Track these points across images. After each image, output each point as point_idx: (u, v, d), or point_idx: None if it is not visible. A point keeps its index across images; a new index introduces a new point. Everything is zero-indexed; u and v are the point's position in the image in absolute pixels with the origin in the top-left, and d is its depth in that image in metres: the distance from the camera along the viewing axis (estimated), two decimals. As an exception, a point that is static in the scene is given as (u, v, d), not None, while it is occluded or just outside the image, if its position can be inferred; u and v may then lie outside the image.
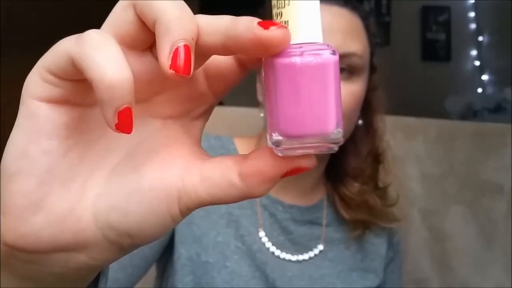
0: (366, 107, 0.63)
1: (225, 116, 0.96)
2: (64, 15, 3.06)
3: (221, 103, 0.94)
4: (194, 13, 0.20)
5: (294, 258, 0.63)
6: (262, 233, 0.63)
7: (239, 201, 0.22)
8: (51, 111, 0.20)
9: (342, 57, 0.56)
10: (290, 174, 0.22)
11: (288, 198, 0.65)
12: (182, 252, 0.61)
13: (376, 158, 0.67)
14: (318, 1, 0.21)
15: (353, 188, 0.65)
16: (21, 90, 0.21)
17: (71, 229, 0.21)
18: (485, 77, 2.91)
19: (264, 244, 0.63)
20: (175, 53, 0.18)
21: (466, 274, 0.95)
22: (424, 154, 1.00)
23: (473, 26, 2.97)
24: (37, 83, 0.20)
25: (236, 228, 0.63)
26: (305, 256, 0.64)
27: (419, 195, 0.98)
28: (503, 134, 1.04)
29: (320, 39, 0.21)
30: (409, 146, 1.01)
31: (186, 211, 0.22)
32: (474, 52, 2.96)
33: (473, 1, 2.98)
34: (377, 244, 0.68)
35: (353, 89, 0.58)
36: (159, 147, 0.23)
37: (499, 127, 1.08)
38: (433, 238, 0.96)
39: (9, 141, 0.21)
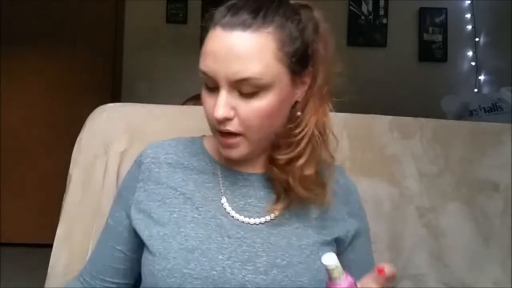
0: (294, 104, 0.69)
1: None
2: (63, 14, 3.07)
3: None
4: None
5: (254, 220, 0.70)
6: (223, 200, 0.71)
7: None
8: None
9: (243, 80, 0.62)
10: None
11: (246, 170, 0.73)
12: (145, 233, 0.69)
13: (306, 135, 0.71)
14: None
15: (284, 149, 0.69)
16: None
17: None
18: (481, 77, 2.93)
19: (225, 209, 0.70)
20: None
21: (462, 270, 0.97)
22: (421, 152, 1.02)
23: (469, 27, 2.99)
24: None
25: (192, 203, 0.70)
26: (267, 218, 0.70)
27: (416, 192, 1.00)
28: (499, 133, 1.05)
29: None
30: (406, 145, 1.02)
31: None
32: (470, 53, 2.98)
33: (469, 3, 3.00)
34: (333, 204, 0.72)
35: (257, 105, 0.63)
36: None
37: (494, 126, 1.09)
38: (429, 235, 0.98)
39: None
